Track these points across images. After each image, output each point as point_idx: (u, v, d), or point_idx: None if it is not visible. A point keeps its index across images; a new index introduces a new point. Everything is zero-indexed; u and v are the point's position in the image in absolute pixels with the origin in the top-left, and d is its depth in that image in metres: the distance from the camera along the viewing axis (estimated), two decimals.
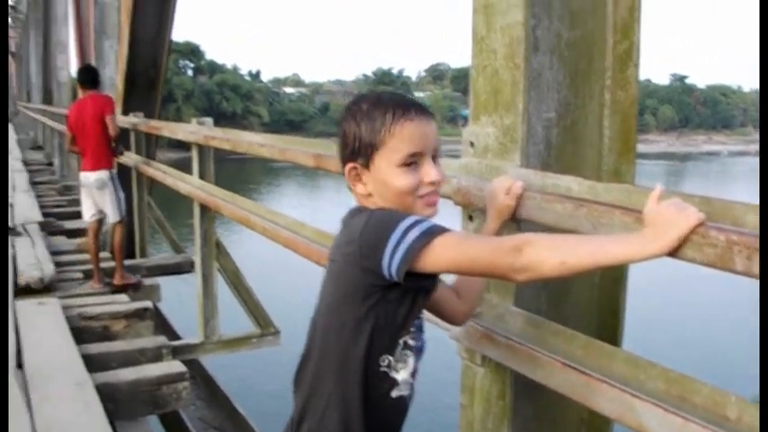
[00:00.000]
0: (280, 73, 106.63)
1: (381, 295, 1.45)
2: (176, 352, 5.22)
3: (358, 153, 1.51)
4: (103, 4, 9.74)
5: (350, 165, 1.54)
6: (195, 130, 5.05)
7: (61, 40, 19.45)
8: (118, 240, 6.63)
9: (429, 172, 1.50)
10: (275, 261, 6.88)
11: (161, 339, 5.35)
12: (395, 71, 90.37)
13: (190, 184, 5.23)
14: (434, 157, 1.52)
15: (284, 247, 3.71)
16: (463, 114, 74.20)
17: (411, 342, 1.54)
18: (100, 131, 6.38)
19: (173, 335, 6.44)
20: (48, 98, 21.24)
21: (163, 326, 6.14)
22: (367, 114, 1.51)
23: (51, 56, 20.23)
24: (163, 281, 7.33)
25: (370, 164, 1.51)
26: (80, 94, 6.66)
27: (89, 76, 6.67)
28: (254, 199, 5.35)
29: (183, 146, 6.41)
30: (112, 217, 6.60)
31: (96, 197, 6.58)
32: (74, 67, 21.91)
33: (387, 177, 1.49)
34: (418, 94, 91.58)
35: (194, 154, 5.17)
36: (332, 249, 1.59)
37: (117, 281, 6.51)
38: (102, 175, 6.46)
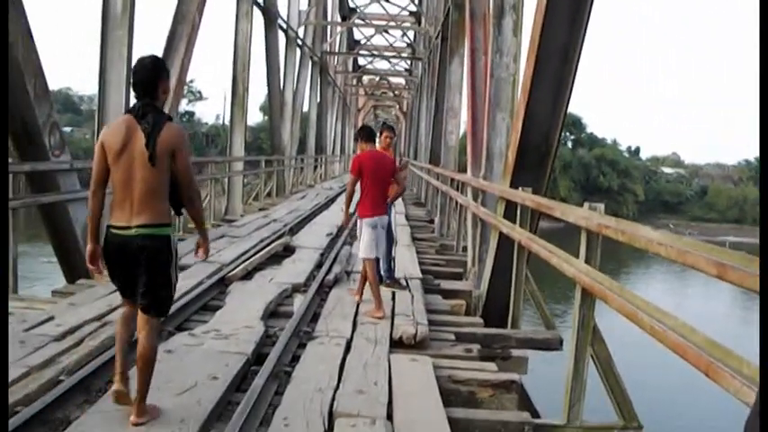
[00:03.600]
0: (659, 151, 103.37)
1: None
2: (537, 431, 5.20)
3: None
4: (499, 78, 10.06)
5: None
6: (587, 215, 5.07)
7: (453, 106, 20.66)
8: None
9: None
10: (650, 352, 6.61)
11: (525, 415, 5.38)
12: None
13: (575, 267, 5.25)
14: None
15: (671, 350, 3.58)
16: None
17: None
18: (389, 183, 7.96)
19: (532, 410, 6.44)
20: (434, 159, 22.67)
21: (523, 399, 6.16)
22: None
23: (442, 120, 21.56)
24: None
25: None
26: (363, 146, 7.96)
27: (373, 134, 8.16)
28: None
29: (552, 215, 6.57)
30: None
31: (379, 237, 7.76)
32: (461, 133, 23.21)
33: None
34: None
35: (582, 238, 5.19)
36: None
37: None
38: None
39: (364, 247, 7.67)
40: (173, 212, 4.37)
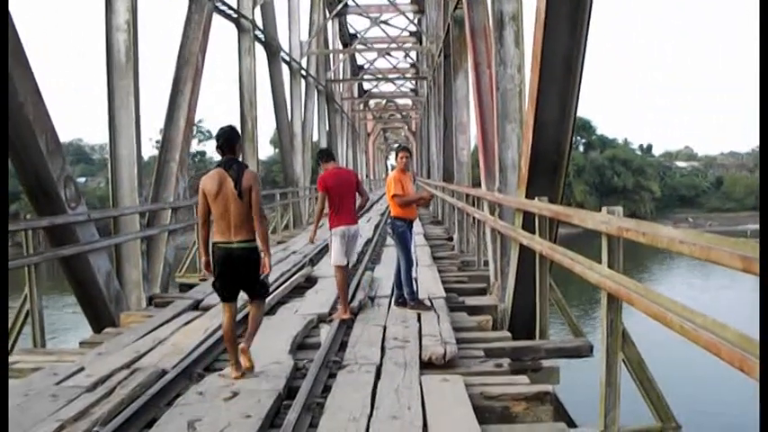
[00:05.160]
0: (671, 146, 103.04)
1: None
2: None
3: None
4: (505, 90, 10.02)
5: None
6: (606, 220, 5.03)
7: (462, 121, 20.63)
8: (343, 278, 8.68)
9: None
10: (682, 350, 6.53)
11: (560, 426, 5.34)
12: None
13: (598, 273, 5.21)
14: None
15: (704, 349, 3.53)
16: None
17: None
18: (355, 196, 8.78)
19: (567, 420, 6.37)
20: (447, 176, 22.64)
21: (558, 409, 6.08)
22: None
23: (452, 136, 21.52)
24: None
25: None
26: (326, 166, 8.86)
27: (331, 154, 9.32)
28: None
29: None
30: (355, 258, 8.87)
31: (349, 245, 8.68)
32: (472, 147, 23.13)
33: None
34: None
35: (604, 243, 5.15)
36: None
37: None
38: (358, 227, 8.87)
39: (334, 254, 8.65)
40: None
